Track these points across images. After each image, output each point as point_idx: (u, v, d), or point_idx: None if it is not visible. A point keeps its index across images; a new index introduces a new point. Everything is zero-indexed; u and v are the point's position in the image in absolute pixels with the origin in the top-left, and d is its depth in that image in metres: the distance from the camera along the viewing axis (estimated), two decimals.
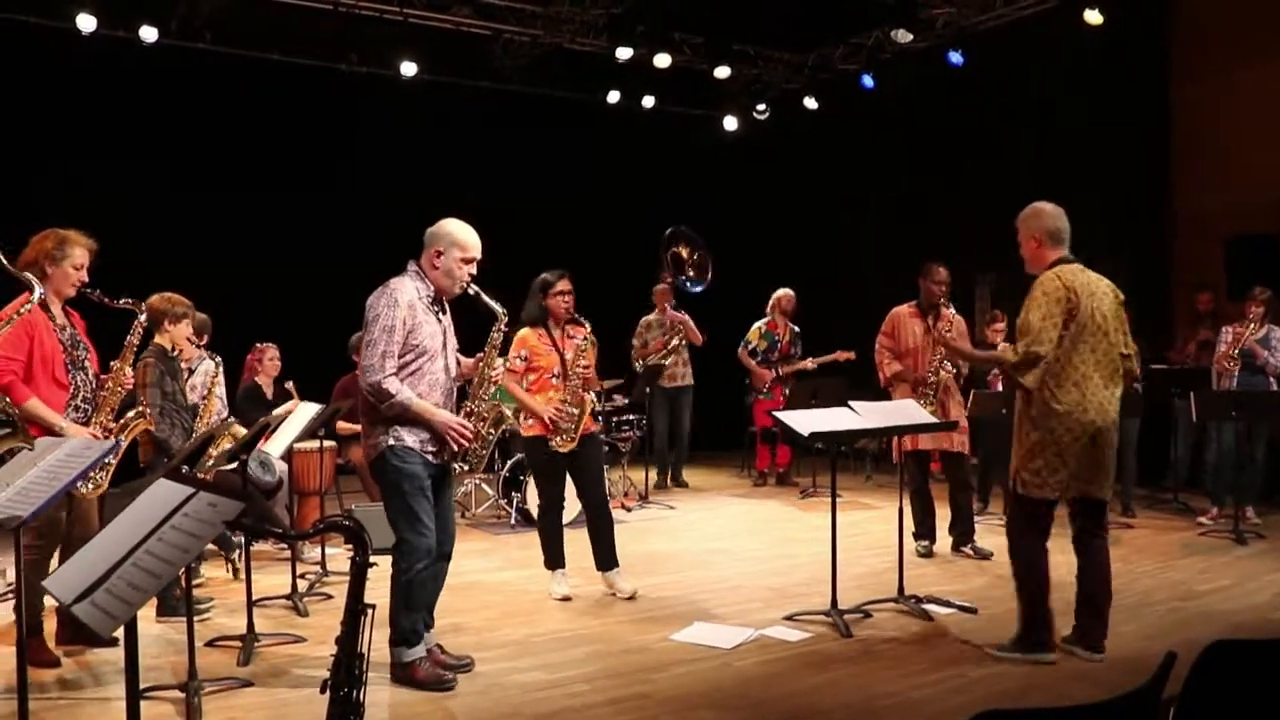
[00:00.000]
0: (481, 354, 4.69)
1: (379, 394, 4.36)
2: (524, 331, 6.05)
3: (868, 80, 11.63)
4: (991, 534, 7.40)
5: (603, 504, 6.11)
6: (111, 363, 5.01)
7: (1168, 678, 2.00)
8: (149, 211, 9.35)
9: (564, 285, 6.00)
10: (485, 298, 4.59)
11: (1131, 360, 4.77)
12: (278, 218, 10.09)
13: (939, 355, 6.76)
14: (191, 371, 6.43)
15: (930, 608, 5.52)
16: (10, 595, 5.80)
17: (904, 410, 5.87)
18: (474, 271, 4.58)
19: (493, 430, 4.74)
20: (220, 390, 6.72)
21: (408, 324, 4.39)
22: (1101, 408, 4.57)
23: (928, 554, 6.89)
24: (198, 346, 6.63)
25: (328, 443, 7.19)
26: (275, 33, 10.15)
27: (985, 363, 4.75)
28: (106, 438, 4.76)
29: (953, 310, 6.98)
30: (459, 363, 4.72)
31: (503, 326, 4.67)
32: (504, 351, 4.76)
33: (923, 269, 7.06)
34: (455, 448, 4.49)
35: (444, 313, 4.63)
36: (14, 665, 3.53)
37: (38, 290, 4.56)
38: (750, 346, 10.24)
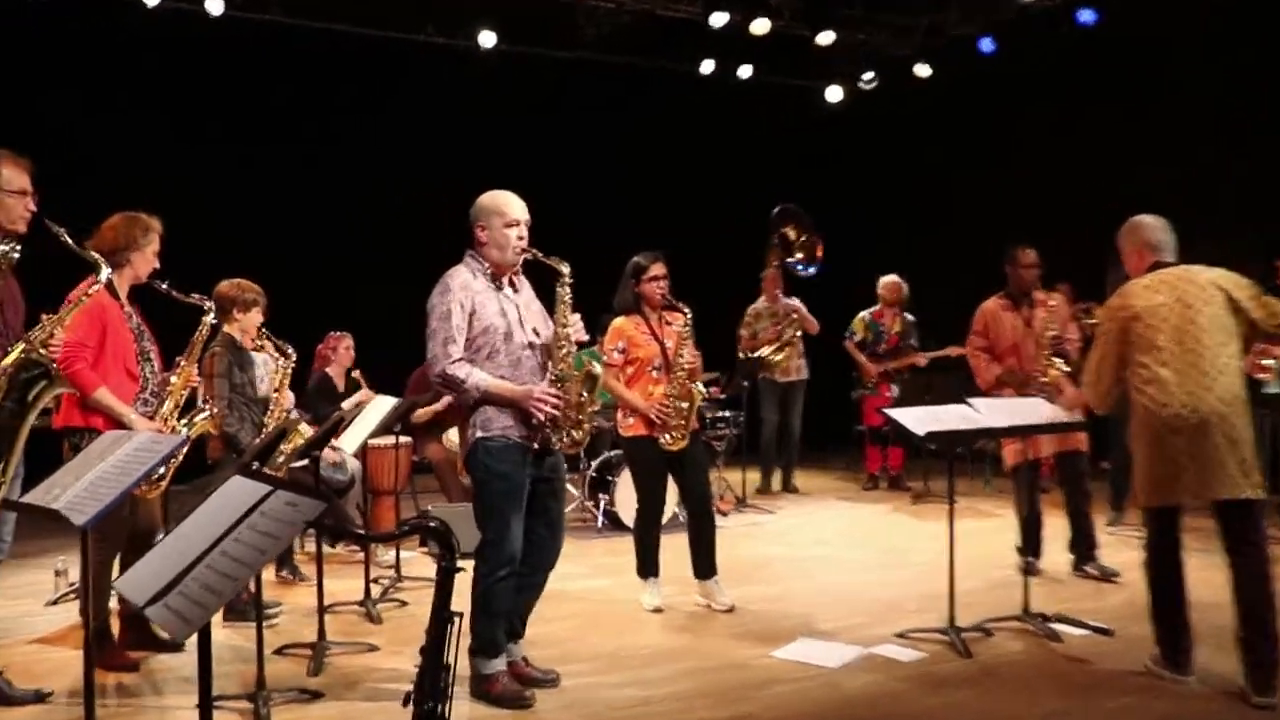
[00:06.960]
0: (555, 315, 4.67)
1: (450, 382, 4.44)
2: (619, 321, 6.00)
3: (987, 44, 11.41)
4: (1126, 548, 7.04)
5: (707, 505, 6.07)
6: (177, 359, 5.11)
7: None
8: (216, 193, 9.59)
9: (658, 269, 5.94)
10: (542, 258, 4.60)
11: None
12: (351, 200, 10.26)
13: (1047, 352, 6.52)
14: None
15: (1059, 628, 5.40)
16: (73, 596, 5.97)
17: (1030, 408, 5.71)
18: (523, 234, 4.60)
19: (586, 392, 4.62)
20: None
21: (466, 306, 4.46)
22: (1190, 397, 4.47)
23: (1032, 572, 6.21)
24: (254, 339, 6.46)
25: (403, 439, 7.26)
26: (346, 3, 10.28)
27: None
28: (173, 433, 4.87)
29: (1050, 294, 6.85)
30: (540, 335, 4.67)
31: (568, 281, 4.61)
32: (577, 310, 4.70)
33: (1008, 255, 6.87)
34: (541, 418, 4.47)
35: (514, 290, 4.67)
36: (78, 669, 3.62)
37: (105, 272, 4.64)
38: (856, 338, 10.12)
